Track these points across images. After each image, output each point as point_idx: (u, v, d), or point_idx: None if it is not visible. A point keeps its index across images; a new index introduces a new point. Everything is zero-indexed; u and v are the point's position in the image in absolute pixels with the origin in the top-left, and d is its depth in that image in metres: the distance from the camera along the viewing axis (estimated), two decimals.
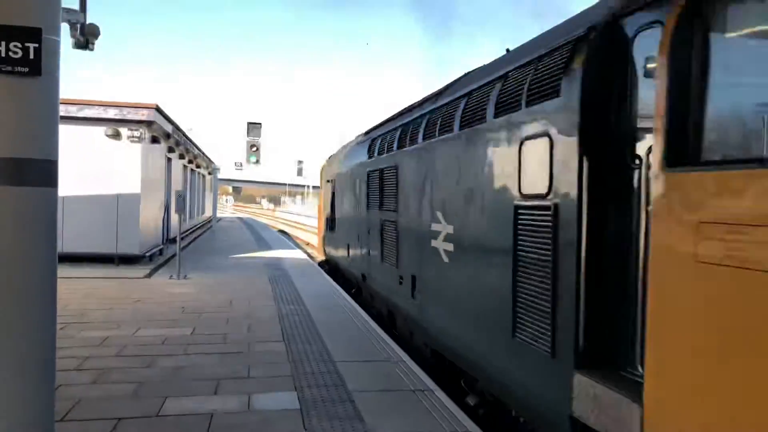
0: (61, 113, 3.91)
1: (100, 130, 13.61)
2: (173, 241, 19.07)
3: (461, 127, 5.90)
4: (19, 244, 3.39)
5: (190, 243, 21.03)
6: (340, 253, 14.05)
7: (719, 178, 2.59)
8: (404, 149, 8.07)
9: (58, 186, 3.57)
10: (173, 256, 15.72)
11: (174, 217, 19.28)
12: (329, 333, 7.73)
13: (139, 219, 13.99)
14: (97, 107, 13.66)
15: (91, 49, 6.14)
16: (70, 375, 5.61)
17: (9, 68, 3.32)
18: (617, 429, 3.27)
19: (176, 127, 17.81)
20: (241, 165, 29.96)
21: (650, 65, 3.35)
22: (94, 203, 13.54)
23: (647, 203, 3.29)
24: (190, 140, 22.86)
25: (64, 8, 4.50)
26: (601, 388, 3.42)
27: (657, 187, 2.94)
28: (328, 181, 16.48)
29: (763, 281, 2.30)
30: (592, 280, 3.71)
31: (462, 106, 6.04)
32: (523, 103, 4.56)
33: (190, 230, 25.54)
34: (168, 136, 17.05)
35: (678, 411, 2.75)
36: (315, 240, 25.29)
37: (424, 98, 8.61)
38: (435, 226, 6.60)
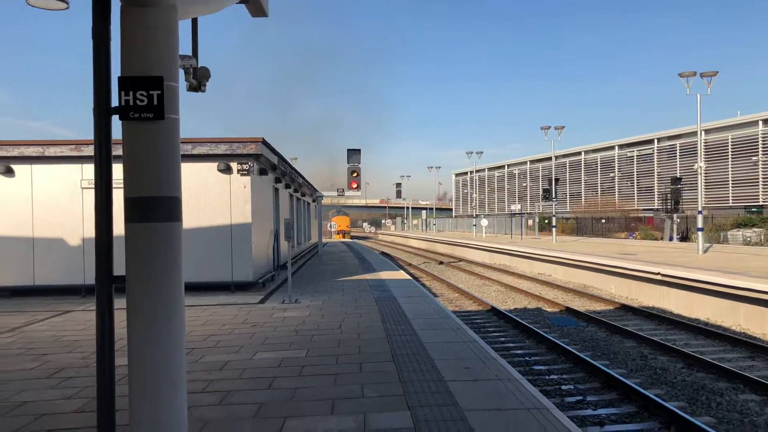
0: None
1: (212, 165, 14.48)
2: (283, 267, 19.82)
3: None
4: (149, 276, 3.68)
5: (298, 268, 21.75)
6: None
7: None
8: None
9: (181, 220, 3.86)
10: (284, 281, 16.33)
11: (283, 244, 20.08)
12: (437, 352, 7.75)
13: (251, 247, 14.67)
14: (208, 144, 14.51)
15: (203, 91, 6.57)
16: (198, 397, 5.97)
17: (137, 115, 3.66)
18: None
19: (281, 158, 18.58)
20: (343, 191, 30.99)
21: None
22: (211, 234, 14.36)
23: None
24: (295, 170, 23.76)
25: (180, 55, 4.87)
26: None
27: None
28: (330, 219, 77.72)
29: None
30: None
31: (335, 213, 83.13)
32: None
33: (298, 256, 26.43)
34: (274, 167, 17.83)
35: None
36: (414, 261, 36.59)
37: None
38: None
